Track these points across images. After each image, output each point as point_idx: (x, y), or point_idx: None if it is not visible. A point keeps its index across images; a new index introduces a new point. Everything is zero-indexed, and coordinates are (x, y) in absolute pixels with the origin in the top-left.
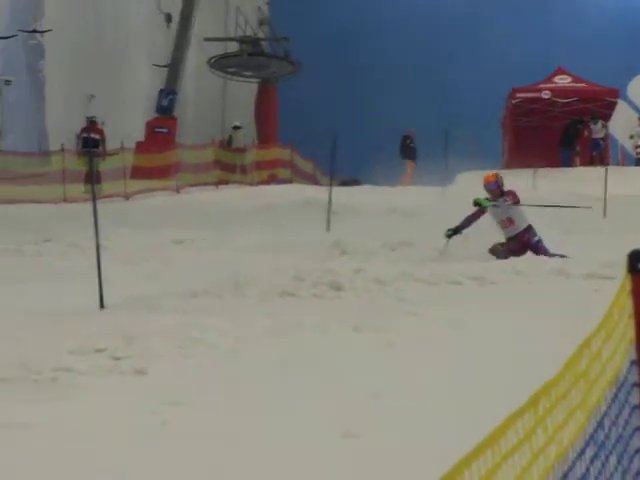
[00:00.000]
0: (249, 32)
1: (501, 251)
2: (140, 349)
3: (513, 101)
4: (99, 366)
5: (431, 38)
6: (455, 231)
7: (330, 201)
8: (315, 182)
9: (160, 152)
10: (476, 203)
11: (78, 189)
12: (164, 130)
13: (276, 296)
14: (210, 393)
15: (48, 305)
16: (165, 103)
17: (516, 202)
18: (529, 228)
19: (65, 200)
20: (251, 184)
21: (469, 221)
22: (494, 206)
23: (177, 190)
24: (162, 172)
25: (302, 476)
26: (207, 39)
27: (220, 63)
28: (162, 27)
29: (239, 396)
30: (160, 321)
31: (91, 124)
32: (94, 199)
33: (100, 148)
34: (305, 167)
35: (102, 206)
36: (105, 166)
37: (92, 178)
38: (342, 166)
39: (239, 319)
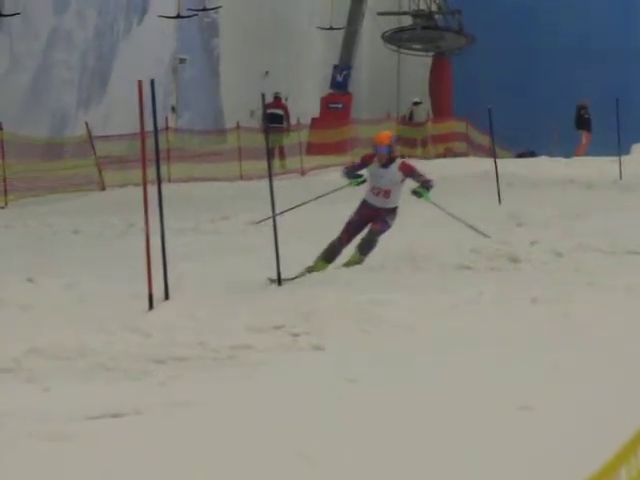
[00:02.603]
0: (422, 5)
1: (337, 245)
2: (318, 325)
3: None
4: (277, 343)
5: (603, 6)
6: (362, 180)
7: (497, 174)
8: (492, 155)
9: (335, 128)
10: (416, 193)
11: (254, 166)
12: (339, 106)
13: (453, 269)
14: (386, 368)
15: (226, 283)
16: (340, 79)
17: (426, 183)
18: (393, 210)
19: (241, 177)
20: (427, 158)
21: (361, 167)
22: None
23: None
24: (337, 148)
25: (479, 448)
26: (380, 13)
27: (394, 37)
28: None
29: (416, 371)
30: (337, 296)
31: (275, 100)
32: (270, 176)
33: (284, 124)
34: (482, 140)
35: (278, 183)
36: (285, 142)
37: (269, 154)
38: (519, 139)
39: (416, 293)
